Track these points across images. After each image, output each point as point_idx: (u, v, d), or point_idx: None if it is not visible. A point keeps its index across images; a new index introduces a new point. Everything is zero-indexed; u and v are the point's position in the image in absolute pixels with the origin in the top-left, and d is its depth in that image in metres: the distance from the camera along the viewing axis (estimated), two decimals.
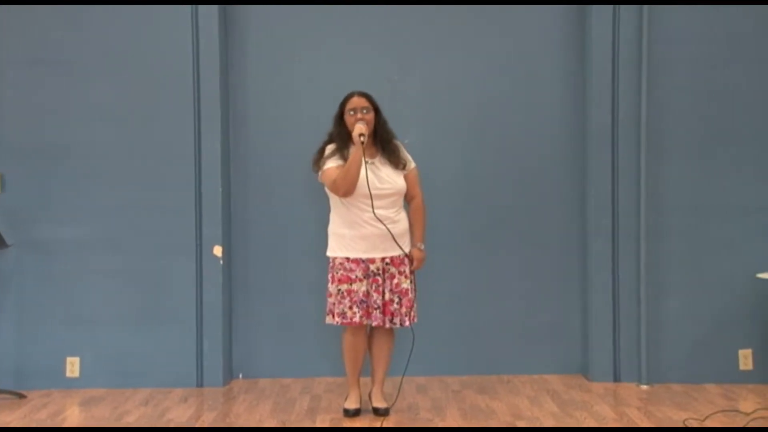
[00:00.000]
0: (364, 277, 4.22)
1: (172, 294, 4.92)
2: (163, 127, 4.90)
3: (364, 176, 4.14)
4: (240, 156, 5.06)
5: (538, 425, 4.16)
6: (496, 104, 5.06)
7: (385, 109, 4.37)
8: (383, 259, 4.24)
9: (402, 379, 4.46)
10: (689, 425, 4.11)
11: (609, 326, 4.92)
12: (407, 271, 4.28)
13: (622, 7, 4.82)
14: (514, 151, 5.06)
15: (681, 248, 4.90)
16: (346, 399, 4.43)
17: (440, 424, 4.19)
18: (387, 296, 4.23)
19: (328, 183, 4.25)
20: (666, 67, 4.85)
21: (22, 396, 4.74)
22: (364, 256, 4.23)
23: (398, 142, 4.40)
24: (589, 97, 4.94)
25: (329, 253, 4.32)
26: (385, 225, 4.19)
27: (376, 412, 4.34)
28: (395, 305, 4.24)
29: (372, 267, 4.23)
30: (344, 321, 4.23)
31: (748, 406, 4.44)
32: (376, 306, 4.22)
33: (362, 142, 4.14)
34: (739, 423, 4.13)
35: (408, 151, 4.41)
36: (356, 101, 4.27)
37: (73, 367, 4.92)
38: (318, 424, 4.22)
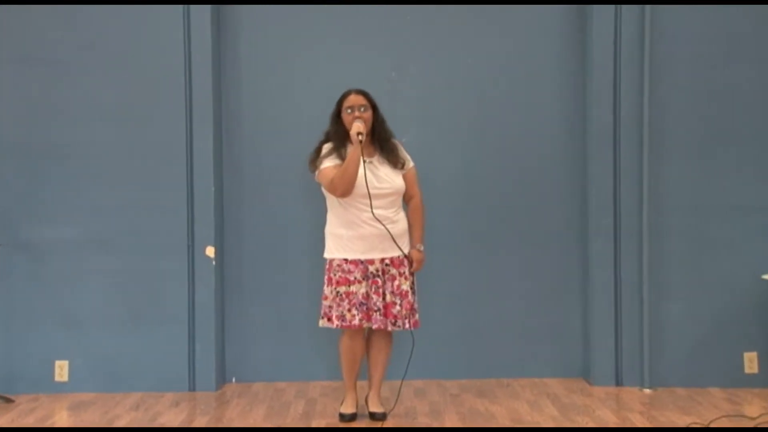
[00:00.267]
0: (363, 279, 4.17)
1: (163, 295, 4.89)
2: (155, 127, 4.88)
3: (363, 175, 4.08)
4: (233, 155, 5.04)
5: None
6: (497, 103, 5.05)
7: (384, 108, 4.35)
8: (382, 260, 4.20)
9: (401, 383, 4.44)
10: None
11: (611, 328, 4.89)
12: (407, 272, 4.24)
13: (624, 6, 4.81)
14: (514, 150, 5.05)
15: (684, 248, 4.88)
16: (342, 403, 4.38)
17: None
18: (388, 298, 4.19)
19: (325, 183, 4.20)
20: (668, 66, 4.84)
21: (9, 400, 4.69)
22: (362, 257, 4.18)
23: (396, 141, 4.35)
24: (590, 96, 4.93)
25: (326, 255, 4.27)
26: (384, 225, 4.14)
27: (373, 416, 4.30)
28: (398, 308, 4.19)
29: (371, 268, 4.18)
30: (343, 324, 4.17)
31: (753, 410, 4.40)
32: (376, 308, 4.17)
33: (360, 141, 4.09)
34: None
35: (406, 150, 4.37)
36: (353, 99, 4.23)
37: (61, 370, 4.87)
38: None
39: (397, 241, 4.17)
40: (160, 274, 4.87)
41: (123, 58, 4.87)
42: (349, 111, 4.20)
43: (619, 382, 4.88)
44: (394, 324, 4.20)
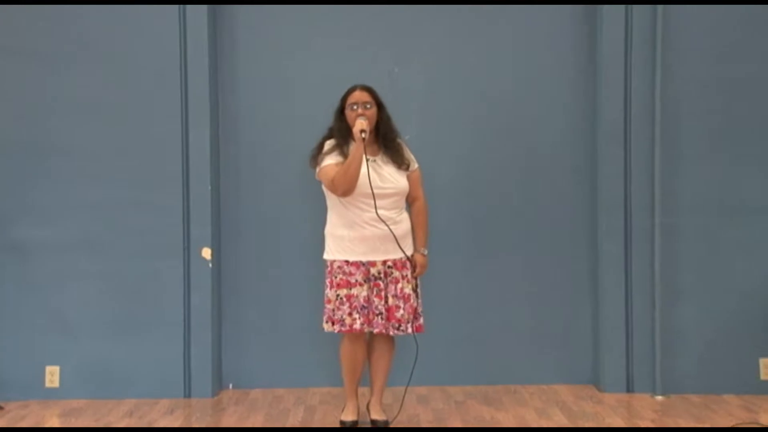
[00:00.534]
0: (365, 282, 4.10)
1: (158, 299, 4.84)
2: (150, 126, 4.86)
3: (366, 174, 4.00)
4: (230, 154, 5.01)
5: None
6: (503, 102, 5.01)
7: (386, 104, 4.28)
8: (384, 262, 4.12)
9: (405, 390, 4.42)
10: None
11: (621, 333, 4.84)
12: (409, 275, 4.17)
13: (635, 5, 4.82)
14: (521, 150, 5.01)
15: (697, 250, 4.84)
16: (342, 410, 4.31)
17: None
18: (391, 302, 4.12)
19: (326, 181, 4.12)
20: (680, 61, 4.80)
21: None
22: (364, 258, 4.09)
23: (402, 141, 4.29)
24: (600, 93, 4.89)
25: (326, 256, 4.19)
26: (388, 226, 4.06)
27: (375, 424, 4.23)
28: (401, 311, 4.11)
29: (373, 270, 4.11)
30: (343, 329, 4.09)
31: None
32: (377, 312, 4.09)
33: (363, 139, 4.01)
34: None
35: (409, 148, 4.32)
36: (358, 95, 4.15)
37: (52, 376, 4.83)
38: None
39: (399, 243, 4.09)
40: (155, 276, 4.83)
41: (118, 57, 4.86)
42: (353, 108, 4.12)
43: (630, 389, 4.83)
44: (397, 328, 4.12)
